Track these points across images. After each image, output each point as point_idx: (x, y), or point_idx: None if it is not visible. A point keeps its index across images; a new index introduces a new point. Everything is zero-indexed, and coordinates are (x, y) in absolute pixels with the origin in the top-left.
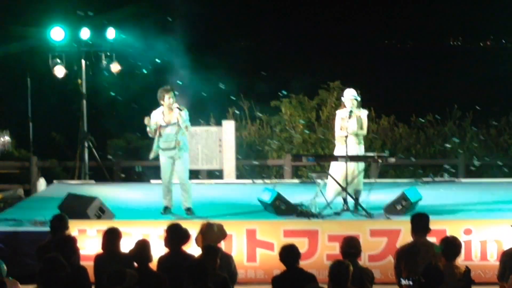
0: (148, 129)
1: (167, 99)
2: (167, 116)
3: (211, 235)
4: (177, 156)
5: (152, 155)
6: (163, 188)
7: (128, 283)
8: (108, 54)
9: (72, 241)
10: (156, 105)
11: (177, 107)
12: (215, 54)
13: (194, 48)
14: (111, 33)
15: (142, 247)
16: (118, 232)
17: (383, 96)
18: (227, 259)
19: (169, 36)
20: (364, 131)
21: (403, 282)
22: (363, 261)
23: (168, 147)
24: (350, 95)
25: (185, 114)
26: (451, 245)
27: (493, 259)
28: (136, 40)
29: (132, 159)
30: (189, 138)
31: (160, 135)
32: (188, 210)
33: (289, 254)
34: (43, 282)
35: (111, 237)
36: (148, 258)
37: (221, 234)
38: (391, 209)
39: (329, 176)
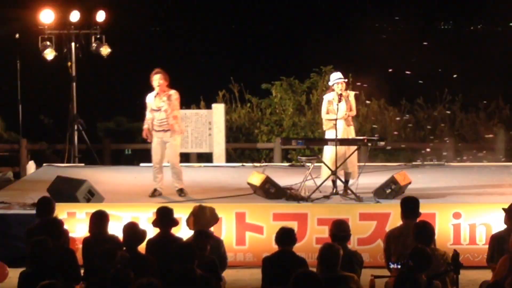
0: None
1: (154, 82)
2: (157, 100)
3: (204, 219)
4: (169, 139)
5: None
6: (154, 170)
7: (118, 262)
8: (98, 36)
9: (58, 224)
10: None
11: (159, 91)
12: (206, 37)
13: (186, 30)
14: (101, 15)
15: (130, 230)
16: (105, 214)
17: (374, 80)
18: (217, 243)
19: (161, 19)
20: (354, 112)
21: (392, 265)
22: (352, 244)
23: (160, 130)
24: (337, 78)
25: (173, 97)
26: (423, 230)
27: (482, 242)
28: (126, 23)
29: (122, 142)
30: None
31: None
32: (180, 191)
33: (286, 237)
34: (31, 265)
35: (98, 220)
36: (136, 241)
37: (213, 218)
38: (381, 193)
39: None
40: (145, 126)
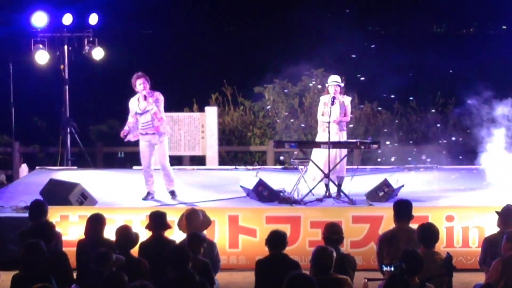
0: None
1: (139, 85)
2: (142, 103)
3: (197, 222)
4: (156, 141)
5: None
6: (144, 174)
7: (114, 265)
8: (91, 39)
9: (51, 227)
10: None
11: (146, 94)
12: (199, 40)
13: (179, 33)
14: (93, 18)
15: (123, 233)
16: (102, 218)
17: (366, 83)
18: (211, 246)
19: (153, 22)
20: (348, 118)
21: (385, 268)
22: (345, 247)
23: (147, 133)
24: (333, 82)
25: (157, 100)
26: (428, 232)
27: (475, 245)
28: (118, 26)
29: (115, 145)
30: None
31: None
32: (172, 193)
33: (277, 239)
34: (24, 267)
35: (95, 223)
36: (129, 244)
37: (206, 221)
38: (373, 196)
39: (310, 163)
40: (126, 128)
